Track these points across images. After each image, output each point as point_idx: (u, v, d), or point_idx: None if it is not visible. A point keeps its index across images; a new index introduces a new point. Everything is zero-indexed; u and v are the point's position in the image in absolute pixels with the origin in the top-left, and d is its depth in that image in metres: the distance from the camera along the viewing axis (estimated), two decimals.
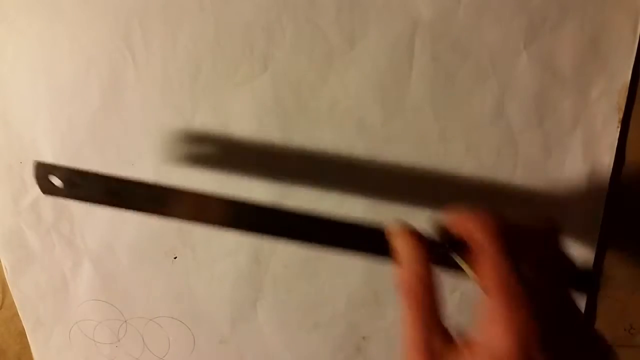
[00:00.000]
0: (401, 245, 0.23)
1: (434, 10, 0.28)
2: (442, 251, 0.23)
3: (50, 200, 0.34)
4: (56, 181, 0.29)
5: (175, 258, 0.36)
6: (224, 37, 0.30)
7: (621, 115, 0.29)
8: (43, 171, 0.29)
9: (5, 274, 0.36)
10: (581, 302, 0.34)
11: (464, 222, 0.23)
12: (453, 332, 0.21)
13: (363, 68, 0.30)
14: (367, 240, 0.25)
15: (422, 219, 0.32)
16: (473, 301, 0.34)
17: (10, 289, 0.37)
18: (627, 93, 0.28)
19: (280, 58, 0.30)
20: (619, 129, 0.29)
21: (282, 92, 0.31)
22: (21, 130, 0.33)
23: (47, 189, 0.29)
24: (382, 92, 0.30)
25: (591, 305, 0.34)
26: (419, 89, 0.30)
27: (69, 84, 0.32)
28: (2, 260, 0.36)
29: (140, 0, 0.30)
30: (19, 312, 0.38)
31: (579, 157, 0.30)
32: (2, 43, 0.31)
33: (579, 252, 0.32)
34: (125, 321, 0.38)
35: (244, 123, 0.32)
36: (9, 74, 0.32)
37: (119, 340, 0.38)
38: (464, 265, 0.23)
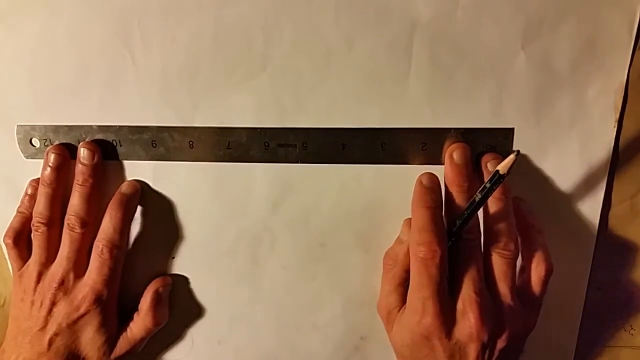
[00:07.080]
0: None
1: (432, 10, 0.29)
2: None
3: None
4: (36, 142, 0.32)
5: (173, 258, 0.36)
6: (222, 36, 0.30)
7: (618, 115, 0.29)
8: (24, 133, 0.33)
9: (11, 270, 0.36)
10: (580, 303, 0.34)
11: None
12: None
13: (361, 68, 0.30)
14: None
15: None
16: None
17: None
18: (623, 92, 0.29)
19: (279, 58, 0.30)
20: (615, 128, 0.29)
21: (281, 91, 0.31)
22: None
23: (29, 152, 0.33)
24: (380, 92, 0.30)
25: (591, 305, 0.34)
26: (417, 89, 0.30)
27: (69, 84, 0.32)
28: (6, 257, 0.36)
29: (139, 0, 0.30)
30: None
31: (576, 156, 0.30)
32: (2, 43, 0.32)
33: (577, 251, 0.33)
34: None
35: (243, 122, 0.32)
36: (9, 73, 0.32)
37: None
38: None
